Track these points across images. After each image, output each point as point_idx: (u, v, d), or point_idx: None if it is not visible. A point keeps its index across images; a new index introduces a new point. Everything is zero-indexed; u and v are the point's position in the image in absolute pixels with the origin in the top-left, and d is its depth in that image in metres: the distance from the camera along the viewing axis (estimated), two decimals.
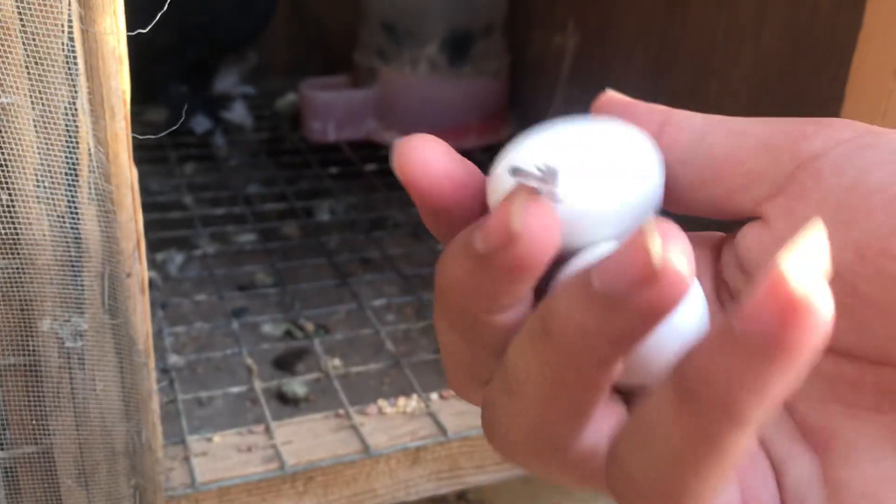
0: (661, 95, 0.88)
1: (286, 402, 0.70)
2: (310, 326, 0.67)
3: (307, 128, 0.99)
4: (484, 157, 1.03)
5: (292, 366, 0.74)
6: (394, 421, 0.55)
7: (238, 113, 1.06)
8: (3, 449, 0.44)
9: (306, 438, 0.53)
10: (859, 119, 0.53)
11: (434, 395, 0.58)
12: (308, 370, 0.71)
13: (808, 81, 0.71)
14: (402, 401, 0.57)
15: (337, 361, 0.61)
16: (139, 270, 0.42)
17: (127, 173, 0.40)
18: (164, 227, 0.83)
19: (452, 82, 0.99)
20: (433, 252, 0.91)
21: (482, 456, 0.57)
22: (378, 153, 1.01)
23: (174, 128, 0.50)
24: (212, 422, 0.68)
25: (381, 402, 0.57)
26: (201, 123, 1.02)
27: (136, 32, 0.38)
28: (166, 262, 0.82)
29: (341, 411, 0.56)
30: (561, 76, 1.03)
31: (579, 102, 0.98)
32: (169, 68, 1.00)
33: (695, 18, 0.82)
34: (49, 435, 0.44)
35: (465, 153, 0.90)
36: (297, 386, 0.70)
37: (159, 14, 0.38)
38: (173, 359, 0.60)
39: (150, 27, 0.37)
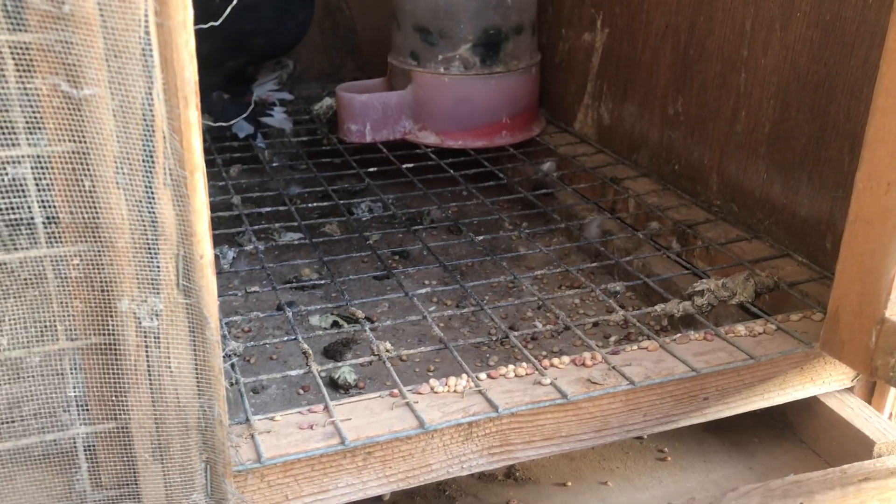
0: (690, 87, 0.90)
1: (337, 389, 0.72)
2: (359, 314, 0.70)
3: (345, 130, 1.02)
4: (517, 151, 1.05)
5: (341, 355, 0.77)
6: (446, 399, 0.58)
7: (277, 118, 1.09)
8: (85, 425, 0.46)
9: (364, 416, 0.55)
10: (894, 95, 0.54)
11: (483, 375, 0.60)
12: (355, 358, 0.73)
13: (838, 66, 0.72)
14: (452, 380, 0.59)
15: (388, 345, 0.63)
16: (210, 252, 0.45)
17: (200, 159, 0.43)
18: (214, 226, 0.86)
19: (485, 81, 1.01)
20: (471, 245, 0.93)
21: (531, 432, 0.58)
22: (414, 152, 1.04)
23: (238, 120, 0.53)
24: (266, 409, 0.70)
25: (433, 382, 0.59)
26: (243, 128, 1.05)
27: (208, 25, 0.40)
28: (219, 257, 0.85)
29: (395, 391, 0.58)
30: (590, 72, 1.05)
31: (608, 98, 1.02)
32: (211, 77, 1.03)
33: (723, 10, 0.84)
34: (127, 411, 0.46)
35: (497, 150, 0.95)
36: (347, 373, 0.72)
37: (229, 7, 0.40)
38: (232, 344, 0.62)
39: (220, 19, 0.40)
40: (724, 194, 0.87)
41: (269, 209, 0.92)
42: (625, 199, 0.93)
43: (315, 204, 0.95)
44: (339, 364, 0.65)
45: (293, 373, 0.61)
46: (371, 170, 1.00)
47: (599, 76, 1.04)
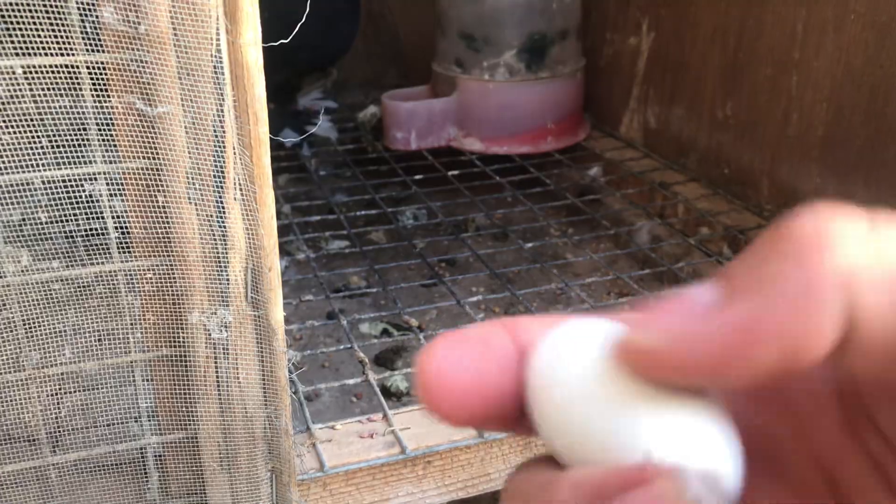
0: (739, 90, 0.89)
1: (389, 396, 0.73)
2: (412, 322, 0.70)
3: (390, 137, 1.03)
4: (562, 157, 1.05)
5: (392, 362, 0.77)
6: None
7: (322, 126, 1.10)
8: (156, 435, 0.47)
9: (422, 425, 0.56)
10: None
11: None
12: (407, 366, 0.74)
13: (895, 68, 0.71)
14: None
15: None
16: (278, 265, 0.45)
17: (269, 174, 0.44)
18: None
19: (529, 87, 1.01)
20: (518, 252, 0.93)
21: None
22: (459, 159, 1.04)
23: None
24: (321, 416, 0.71)
25: None
26: (289, 137, 1.06)
27: (278, 43, 0.41)
28: None
29: None
30: (636, 76, 1.05)
31: (654, 102, 1.01)
32: None
33: (773, 13, 0.83)
34: (195, 422, 0.47)
35: (542, 156, 0.94)
36: (399, 381, 0.73)
37: (298, 24, 0.41)
38: (290, 353, 0.63)
39: (290, 37, 0.41)
40: (775, 199, 0.86)
41: (317, 217, 0.93)
42: (674, 205, 0.92)
43: (361, 212, 0.95)
44: (387, 375, 0.66)
45: (351, 381, 0.62)
46: (417, 177, 1.00)
47: (646, 80, 1.03)
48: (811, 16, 0.79)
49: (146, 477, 0.48)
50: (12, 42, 0.38)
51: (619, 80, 1.08)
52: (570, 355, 0.17)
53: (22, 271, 0.42)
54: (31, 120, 0.40)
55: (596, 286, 0.88)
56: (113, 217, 0.43)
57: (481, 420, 0.17)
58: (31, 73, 0.39)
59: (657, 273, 0.87)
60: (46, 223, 0.41)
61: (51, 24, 0.39)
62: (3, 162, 0.39)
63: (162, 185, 0.42)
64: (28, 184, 0.40)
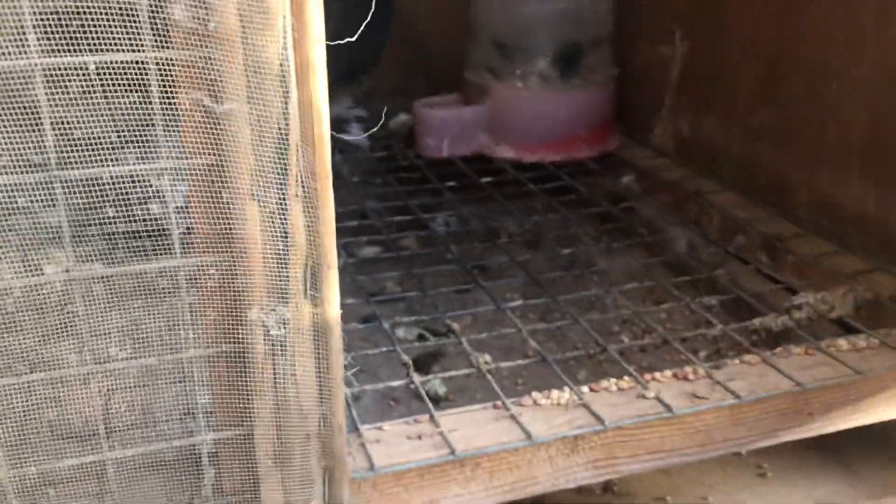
0: (776, 98, 0.89)
1: (427, 401, 0.73)
2: (455, 327, 0.70)
3: (422, 144, 1.03)
4: (595, 166, 1.05)
5: (429, 367, 0.77)
6: (550, 411, 0.58)
7: (354, 134, 1.10)
8: (213, 431, 0.47)
9: (469, 427, 0.56)
10: None
11: (585, 388, 0.60)
12: (444, 370, 0.74)
13: None
14: (555, 393, 0.59)
15: (487, 357, 0.63)
16: (336, 262, 0.46)
17: (329, 171, 0.44)
18: None
19: (562, 95, 1.02)
20: (551, 259, 0.93)
21: (635, 445, 0.58)
22: (491, 166, 1.04)
23: None
24: (362, 419, 0.71)
25: (536, 395, 0.59)
26: None
27: (345, 41, 0.41)
28: None
29: (498, 403, 0.58)
30: (669, 85, 1.05)
31: (687, 111, 1.01)
32: None
33: (811, 20, 0.83)
34: (251, 418, 0.47)
35: (574, 164, 0.95)
36: (437, 385, 0.73)
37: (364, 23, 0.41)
38: None
39: (356, 35, 0.41)
40: (812, 208, 0.86)
41: (350, 223, 0.93)
42: (709, 213, 0.92)
43: (394, 218, 0.96)
44: (429, 376, 0.66)
45: (395, 383, 0.62)
46: (449, 184, 1.00)
47: (679, 89, 1.04)
48: (851, 22, 0.79)
49: (200, 473, 0.48)
50: (86, 39, 0.39)
51: (652, 88, 1.08)
52: None
53: (81, 266, 0.43)
54: (102, 116, 0.40)
55: (630, 294, 0.88)
56: (176, 213, 0.43)
57: None
58: (102, 69, 0.39)
59: (694, 280, 0.87)
60: (113, 218, 0.42)
61: (122, 21, 0.39)
62: (76, 157, 0.40)
63: (226, 182, 0.43)
64: (97, 179, 0.41)
